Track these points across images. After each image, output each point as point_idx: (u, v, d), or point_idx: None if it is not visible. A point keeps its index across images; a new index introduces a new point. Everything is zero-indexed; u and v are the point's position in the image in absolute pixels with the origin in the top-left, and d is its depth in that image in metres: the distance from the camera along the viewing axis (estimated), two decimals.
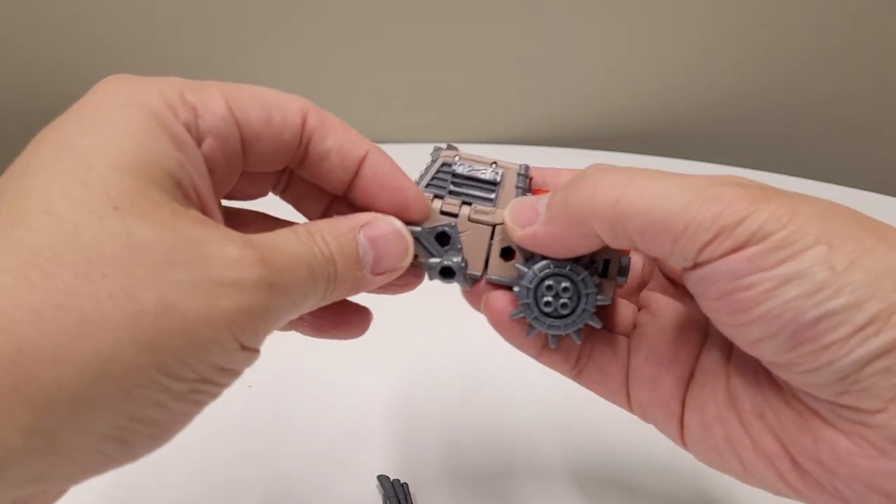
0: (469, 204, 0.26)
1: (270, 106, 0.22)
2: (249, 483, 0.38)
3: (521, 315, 0.26)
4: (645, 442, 0.39)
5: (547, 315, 0.26)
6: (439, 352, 0.47)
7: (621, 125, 0.81)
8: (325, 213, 0.28)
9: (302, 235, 0.22)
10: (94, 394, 0.17)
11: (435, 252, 0.26)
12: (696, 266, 0.21)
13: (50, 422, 0.16)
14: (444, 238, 0.26)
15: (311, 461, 0.40)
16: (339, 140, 0.23)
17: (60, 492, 0.19)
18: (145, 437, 0.18)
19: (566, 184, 0.24)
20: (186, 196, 0.20)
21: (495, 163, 0.26)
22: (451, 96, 0.78)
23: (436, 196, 0.26)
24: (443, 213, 0.26)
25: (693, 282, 0.22)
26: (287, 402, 0.43)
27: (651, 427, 0.28)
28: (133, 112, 0.19)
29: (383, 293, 0.27)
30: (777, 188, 0.21)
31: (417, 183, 0.26)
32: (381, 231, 0.24)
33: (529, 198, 0.25)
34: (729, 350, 0.25)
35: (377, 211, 0.25)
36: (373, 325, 0.28)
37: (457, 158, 0.26)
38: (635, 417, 0.28)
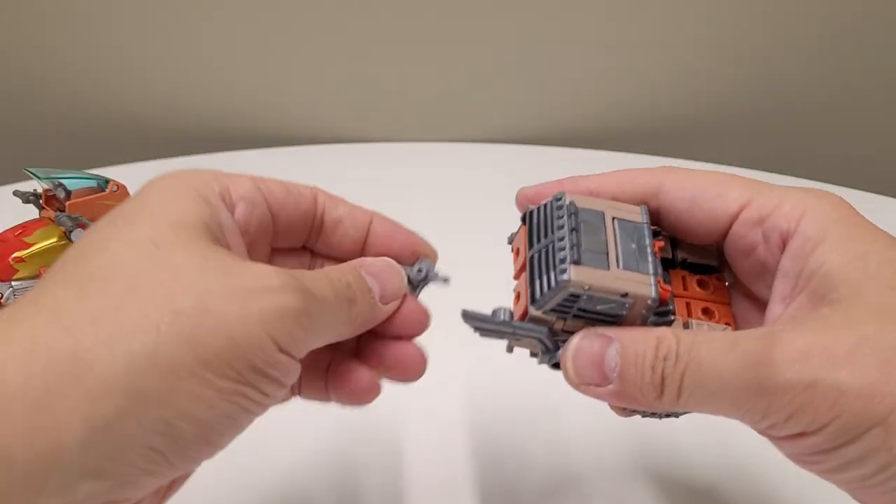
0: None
1: (287, 184, 0.28)
2: (241, 480, 0.38)
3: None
4: (640, 472, 0.39)
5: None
6: (448, 365, 0.47)
7: (622, 125, 0.81)
8: None
9: (319, 272, 0.25)
10: (142, 383, 0.19)
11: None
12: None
13: (104, 409, 0.19)
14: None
15: (304, 460, 0.40)
16: (347, 208, 0.29)
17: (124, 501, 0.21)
18: (192, 436, 0.20)
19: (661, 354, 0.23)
20: (217, 240, 0.23)
21: (626, 294, 0.24)
22: (451, 96, 0.78)
23: (559, 317, 0.25)
24: (564, 330, 0.25)
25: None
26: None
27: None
28: (177, 188, 0.24)
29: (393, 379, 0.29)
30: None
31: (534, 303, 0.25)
32: (378, 266, 0.27)
33: (594, 345, 0.24)
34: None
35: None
36: None
37: (587, 287, 0.24)
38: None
